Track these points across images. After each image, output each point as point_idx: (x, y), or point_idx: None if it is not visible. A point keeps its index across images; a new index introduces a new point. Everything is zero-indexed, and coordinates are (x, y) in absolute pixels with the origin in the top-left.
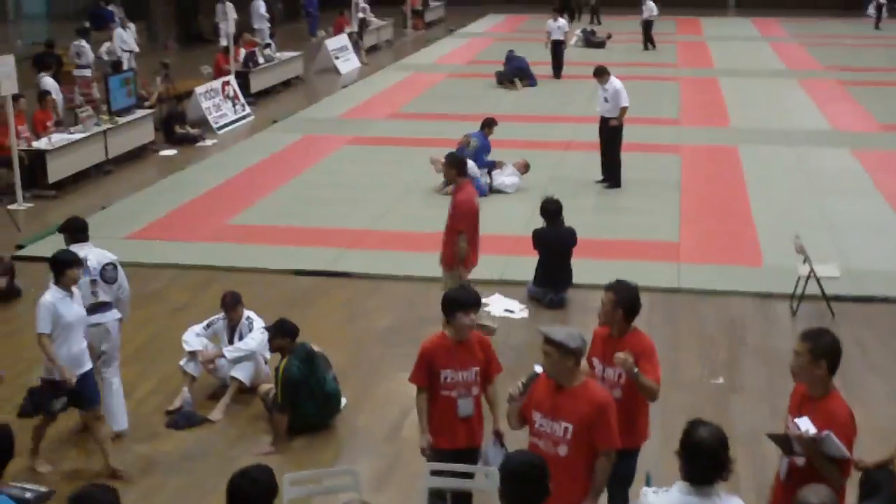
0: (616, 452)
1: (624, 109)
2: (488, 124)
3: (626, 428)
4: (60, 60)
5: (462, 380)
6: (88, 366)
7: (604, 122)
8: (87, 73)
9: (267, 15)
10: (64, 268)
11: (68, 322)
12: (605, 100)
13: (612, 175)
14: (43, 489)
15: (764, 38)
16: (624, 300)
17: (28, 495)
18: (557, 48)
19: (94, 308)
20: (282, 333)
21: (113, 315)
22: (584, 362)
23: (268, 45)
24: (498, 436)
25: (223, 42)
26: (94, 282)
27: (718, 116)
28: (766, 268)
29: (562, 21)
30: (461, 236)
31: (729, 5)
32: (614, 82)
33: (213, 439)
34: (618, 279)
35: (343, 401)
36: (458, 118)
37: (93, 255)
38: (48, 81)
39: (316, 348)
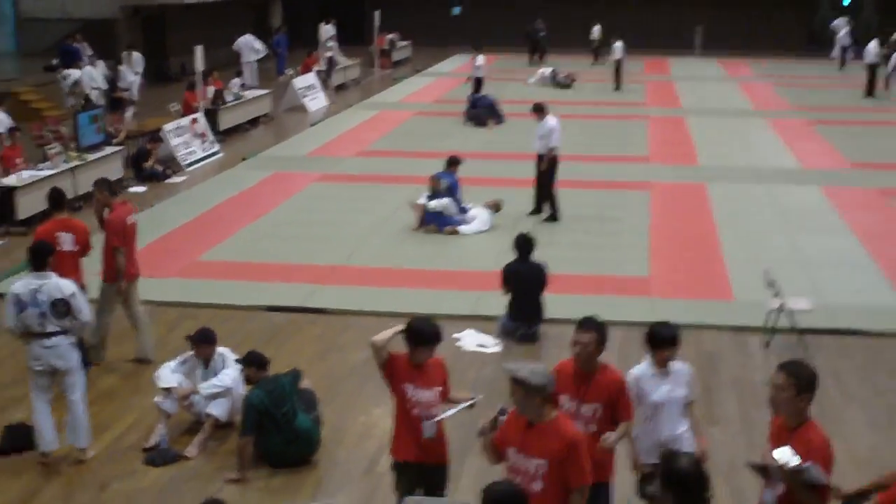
0: (589, 487)
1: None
2: (453, 162)
3: (601, 462)
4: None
5: (424, 399)
6: None
7: (539, 158)
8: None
9: (260, 48)
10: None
11: None
12: (540, 137)
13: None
14: None
15: (731, 77)
16: (603, 337)
17: None
18: (479, 84)
19: (45, 335)
20: (248, 363)
21: (67, 340)
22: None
23: (243, 85)
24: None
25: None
26: (42, 314)
27: (687, 154)
28: (738, 302)
29: (480, 58)
30: (117, 251)
31: (695, 45)
32: (549, 121)
33: (189, 475)
34: (587, 316)
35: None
36: (427, 156)
37: (47, 287)
38: (1, 117)
39: (305, 384)
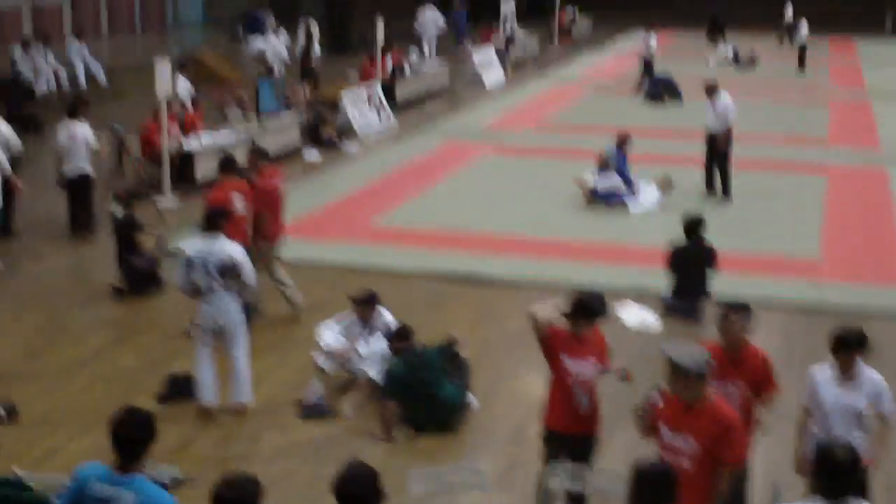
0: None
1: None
2: (624, 140)
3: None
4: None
5: (582, 371)
6: None
7: (712, 138)
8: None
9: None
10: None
11: None
12: (716, 115)
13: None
14: (179, 475)
15: None
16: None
17: (166, 480)
18: (649, 63)
19: (210, 294)
20: (397, 337)
21: (231, 298)
22: None
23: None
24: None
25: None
26: (209, 275)
27: (869, 138)
28: None
29: (653, 36)
30: (262, 215)
31: (885, 28)
32: (724, 98)
33: (341, 433)
34: (734, 301)
35: (473, 402)
36: (602, 131)
37: (216, 250)
38: (179, 82)
39: (462, 354)
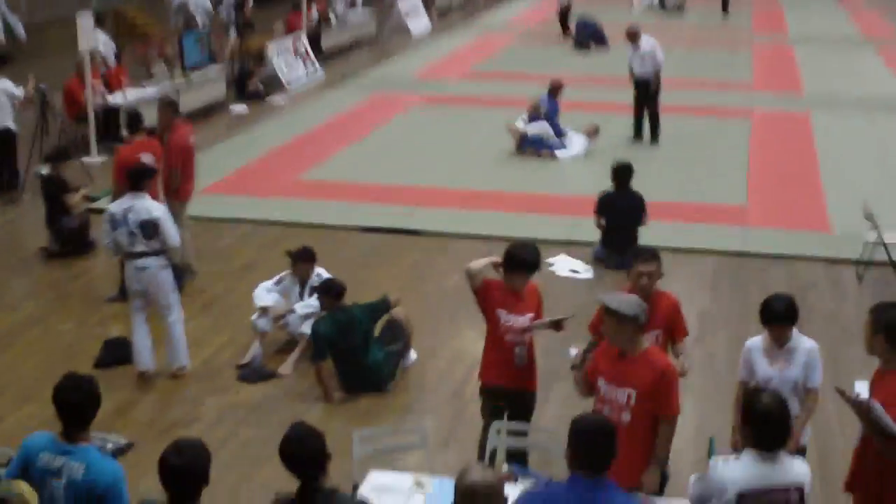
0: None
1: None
2: (555, 87)
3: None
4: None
5: (518, 325)
6: None
7: (639, 83)
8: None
9: None
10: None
11: None
12: (641, 60)
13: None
14: (123, 441)
15: (840, 5)
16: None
17: (109, 446)
18: (567, 9)
19: (136, 255)
20: (323, 292)
21: (157, 262)
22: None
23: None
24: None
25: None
26: (132, 234)
27: (791, 83)
28: (835, 234)
29: None
30: (174, 171)
31: None
32: (647, 42)
33: (281, 394)
34: (645, 246)
35: (413, 357)
36: (530, 79)
37: (137, 207)
38: (100, 37)
39: (398, 314)
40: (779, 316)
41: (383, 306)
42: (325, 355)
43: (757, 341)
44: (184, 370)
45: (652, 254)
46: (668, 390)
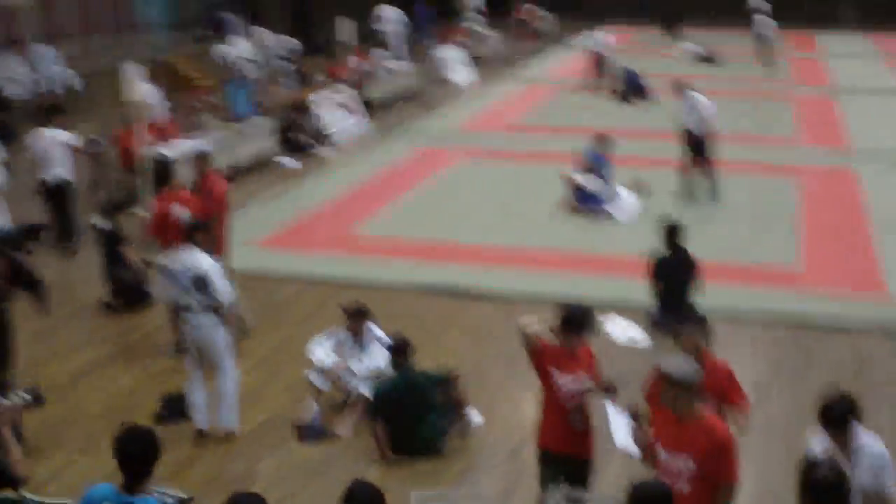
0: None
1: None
2: (602, 140)
3: None
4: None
5: (572, 387)
6: None
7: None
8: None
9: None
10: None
11: None
12: (694, 114)
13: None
14: (182, 495)
15: (883, 54)
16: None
17: (169, 501)
18: (601, 60)
19: (189, 310)
20: (395, 351)
21: (209, 319)
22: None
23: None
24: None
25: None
26: (185, 288)
27: (835, 137)
28: (889, 291)
29: (605, 33)
30: (212, 222)
31: (843, 20)
32: (696, 96)
33: (339, 453)
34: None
35: (477, 420)
36: (574, 130)
37: (189, 261)
38: (149, 89)
39: (460, 388)
40: (833, 420)
41: (448, 381)
42: (376, 415)
43: (818, 442)
44: (233, 435)
45: (697, 319)
46: (726, 457)
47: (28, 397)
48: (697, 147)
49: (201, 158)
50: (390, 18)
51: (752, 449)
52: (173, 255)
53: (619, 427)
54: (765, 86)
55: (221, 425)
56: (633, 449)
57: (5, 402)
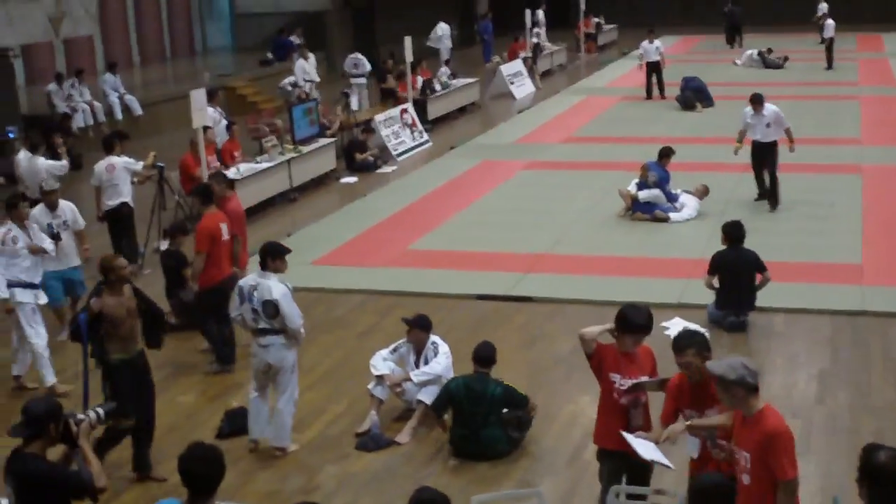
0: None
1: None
2: (665, 154)
3: None
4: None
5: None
6: None
7: (766, 146)
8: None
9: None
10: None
11: None
12: (768, 125)
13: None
14: None
15: None
16: (704, 347)
17: None
18: (655, 69)
19: (259, 332)
20: (476, 359)
21: (279, 339)
22: None
23: (453, 75)
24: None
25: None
26: (255, 311)
27: None
28: None
29: (657, 42)
30: (237, 240)
31: None
32: (770, 107)
33: (400, 461)
34: (677, 335)
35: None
36: (635, 141)
37: (261, 286)
38: (208, 112)
39: (520, 394)
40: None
41: (521, 402)
42: (444, 411)
43: None
44: (284, 452)
45: (685, 343)
46: (777, 452)
47: (102, 413)
48: (769, 155)
49: (220, 178)
50: (446, 34)
51: (817, 441)
52: (250, 277)
53: (639, 445)
54: (831, 88)
55: (273, 443)
56: (663, 460)
57: (82, 416)
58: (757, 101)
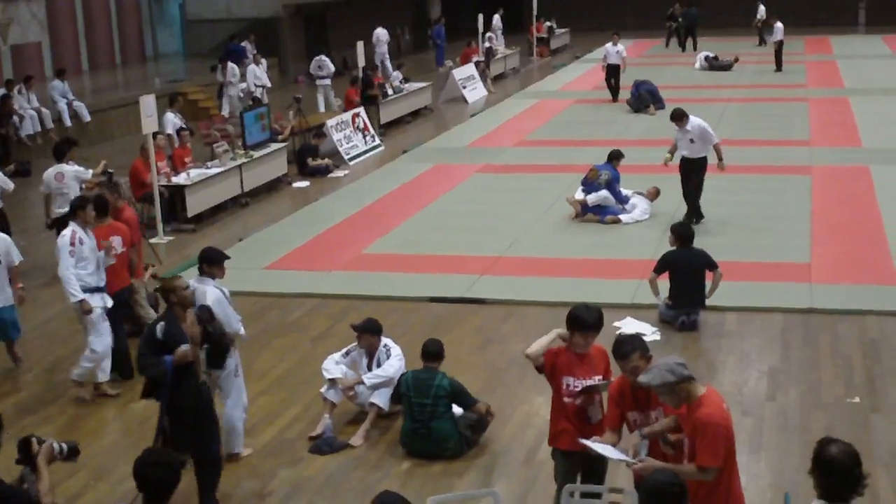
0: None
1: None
2: (615, 156)
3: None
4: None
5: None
6: None
7: (692, 162)
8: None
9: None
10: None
11: None
12: (692, 141)
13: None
14: None
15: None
16: (645, 350)
17: None
18: (615, 72)
19: None
20: (423, 355)
21: None
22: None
23: (406, 80)
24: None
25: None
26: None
27: (849, 137)
28: None
29: (620, 46)
30: (134, 249)
31: (859, 23)
32: (695, 121)
33: (354, 464)
34: (616, 340)
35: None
36: (587, 144)
37: (197, 292)
38: (169, 118)
39: (468, 392)
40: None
41: (469, 401)
42: (392, 401)
43: None
44: (237, 457)
45: (628, 348)
46: (704, 439)
47: (65, 448)
48: (688, 171)
49: (113, 188)
50: (383, 39)
51: (768, 437)
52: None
53: (601, 449)
54: (780, 91)
55: (226, 448)
56: (621, 456)
57: (48, 441)
58: (677, 117)
